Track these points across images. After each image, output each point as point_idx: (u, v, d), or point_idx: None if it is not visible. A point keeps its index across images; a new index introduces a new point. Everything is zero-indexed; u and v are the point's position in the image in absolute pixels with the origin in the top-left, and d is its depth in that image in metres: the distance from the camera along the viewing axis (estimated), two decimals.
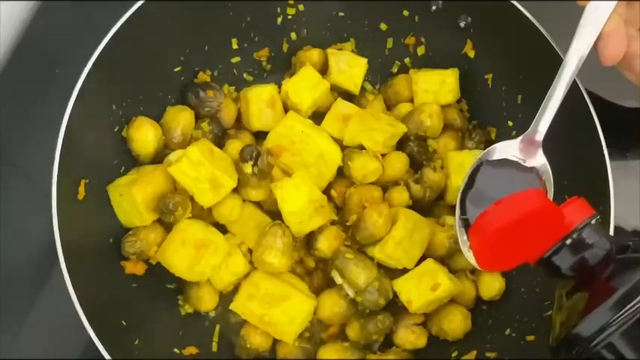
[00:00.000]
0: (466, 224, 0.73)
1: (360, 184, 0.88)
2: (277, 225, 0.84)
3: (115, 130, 0.86)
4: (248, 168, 0.84)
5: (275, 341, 0.87)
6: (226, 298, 0.88)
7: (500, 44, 0.90)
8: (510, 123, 0.93)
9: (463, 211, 0.73)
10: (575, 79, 0.81)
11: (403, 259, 0.85)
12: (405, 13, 0.94)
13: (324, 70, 0.95)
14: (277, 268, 0.83)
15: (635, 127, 0.97)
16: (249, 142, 0.91)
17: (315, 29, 0.97)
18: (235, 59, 0.97)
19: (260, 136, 0.92)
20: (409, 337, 0.86)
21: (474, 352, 0.85)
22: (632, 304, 0.55)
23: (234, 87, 0.97)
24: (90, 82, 0.79)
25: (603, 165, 0.80)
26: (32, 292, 0.91)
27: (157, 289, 0.87)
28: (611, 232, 0.79)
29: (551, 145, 0.88)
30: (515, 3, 0.85)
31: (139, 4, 0.82)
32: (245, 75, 0.98)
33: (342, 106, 0.92)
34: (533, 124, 0.74)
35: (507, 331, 0.85)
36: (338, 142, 0.90)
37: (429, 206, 0.90)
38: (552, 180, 0.74)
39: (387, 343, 0.88)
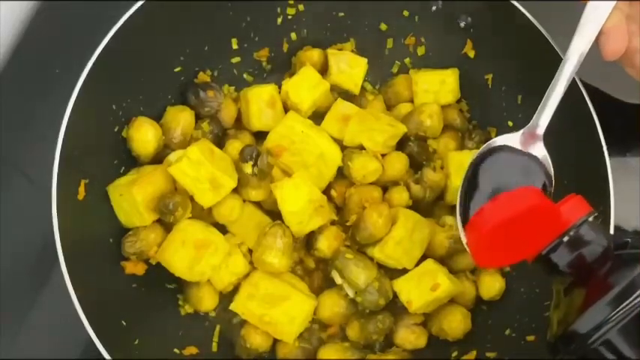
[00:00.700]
0: (466, 220, 0.73)
1: (360, 184, 0.88)
2: (277, 225, 0.84)
3: (115, 130, 0.86)
4: (248, 168, 0.84)
5: (275, 341, 0.87)
6: (226, 298, 0.88)
7: (500, 44, 0.90)
8: (510, 123, 0.93)
9: (464, 206, 0.73)
10: (575, 80, 0.82)
11: (403, 260, 0.85)
12: (405, 13, 0.94)
13: (324, 70, 0.95)
14: (277, 268, 0.83)
15: (636, 125, 0.97)
16: (249, 142, 0.91)
17: (315, 29, 0.97)
18: (235, 59, 0.97)
19: (260, 136, 0.92)
20: (409, 337, 0.86)
21: (474, 352, 0.85)
22: (629, 300, 0.55)
23: (234, 87, 0.97)
24: (90, 82, 0.79)
25: (603, 164, 0.80)
26: (32, 292, 0.91)
27: (157, 290, 0.87)
28: (612, 232, 0.79)
29: (552, 144, 0.88)
30: (515, 3, 0.85)
31: (139, 4, 0.82)
32: (245, 75, 0.98)
33: (342, 106, 0.92)
34: (534, 118, 0.75)
35: (507, 331, 0.85)
36: (338, 142, 0.90)
37: (429, 206, 0.90)
38: (553, 173, 0.74)
39: (387, 343, 0.88)
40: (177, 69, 0.92)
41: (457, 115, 0.95)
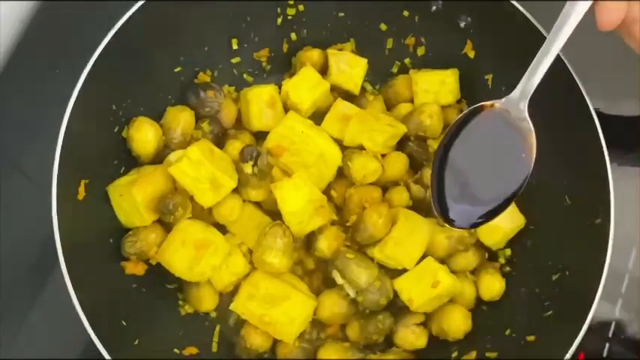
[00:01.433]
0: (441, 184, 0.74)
1: (360, 184, 0.88)
2: (277, 225, 0.84)
3: (115, 130, 0.86)
4: (248, 168, 0.84)
5: (275, 341, 0.87)
6: (226, 298, 0.88)
7: (501, 44, 0.90)
8: None
9: (438, 174, 0.75)
10: (575, 80, 0.82)
11: (403, 260, 0.85)
12: (405, 13, 0.94)
13: (324, 70, 0.95)
14: (277, 268, 0.83)
15: (636, 128, 0.97)
16: (249, 142, 0.91)
17: (315, 29, 0.97)
18: (235, 59, 0.97)
19: (260, 136, 0.92)
20: (409, 337, 0.86)
21: (474, 352, 0.85)
22: None
23: (234, 87, 0.97)
24: (90, 82, 0.79)
25: (603, 166, 0.80)
26: (32, 292, 0.91)
27: (157, 289, 0.87)
28: (611, 233, 0.79)
29: (552, 145, 0.88)
30: (515, 3, 0.85)
31: (139, 4, 0.82)
32: (245, 75, 0.98)
33: (342, 106, 0.92)
34: (519, 84, 0.74)
35: (507, 331, 0.85)
36: (338, 142, 0.90)
37: (429, 206, 0.90)
38: (535, 142, 0.74)
39: (387, 343, 0.88)
40: (177, 69, 0.92)
41: (457, 115, 0.95)
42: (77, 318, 0.74)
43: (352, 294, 0.85)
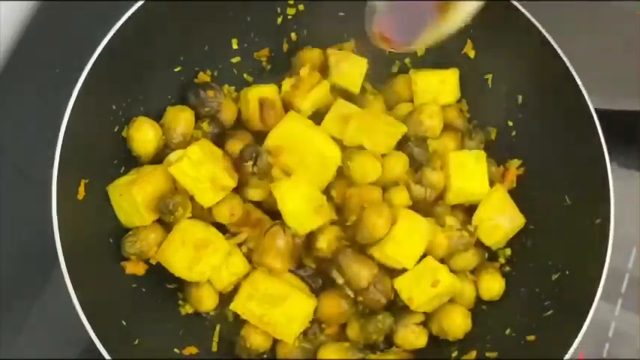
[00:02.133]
0: None
1: (360, 184, 0.88)
2: (277, 225, 0.84)
3: (115, 130, 0.86)
4: (248, 168, 0.84)
5: (275, 341, 0.87)
6: (226, 298, 0.88)
7: (501, 44, 0.90)
8: (510, 123, 0.93)
9: None
10: (576, 82, 0.82)
11: (403, 260, 0.85)
12: None
13: (324, 70, 0.95)
14: (277, 268, 0.83)
15: (636, 128, 0.97)
16: (249, 142, 0.91)
17: (315, 29, 0.97)
18: (235, 59, 0.97)
19: (260, 136, 0.92)
20: (409, 337, 0.86)
21: (474, 352, 0.85)
22: None
23: (234, 87, 0.97)
24: (90, 82, 0.79)
25: (603, 166, 0.80)
26: (32, 292, 0.91)
27: (157, 289, 0.87)
28: (611, 233, 0.79)
29: (552, 145, 0.88)
30: (515, 3, 0.85)
31: (139, 4, 0.82)
32: (245, 75, 0.98)
33: (342, 106, 0.92)
34: None
35: (507, 331, 0.85)
36: (338, 142, 0.90)
37: (429, 206, 0.90)
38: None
39: (388, 343, 0.88)
40: (177, 69, 0.92)
41: (457, 115, 0.95)
42: (77, 318, 0.74)
43: (352, 294, 0.85)
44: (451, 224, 0.88)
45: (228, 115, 0.93)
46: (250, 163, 0.84)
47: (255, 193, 0.87)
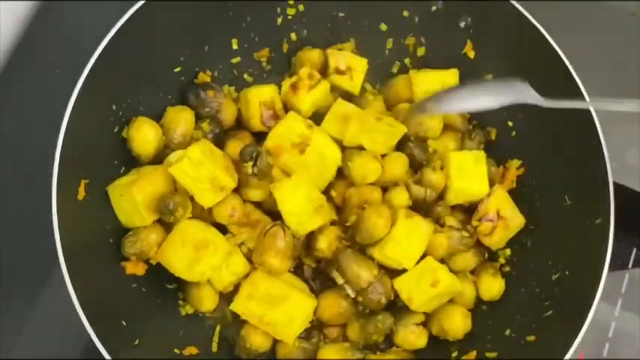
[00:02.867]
0: None
1: (360, 184, 0.88)
2: (277, 225, 0.84)
3: (115, 130, 0.86)
4: (248, 168, 0.84)
5: (275, 341, 0.87)
6: (226, 298, 0.88)
7: (501, 44, 0.90)
8: (510, 123, 0.93)
9: None
10: (575, 79, 0.82)
11: (403, 260, 0.85)
12: (405, 13, 0.94)
13: (324, 70, 0.95)
14: (277, 268, 0.83)
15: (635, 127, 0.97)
16: (249, 142, 0.91)
17: (315, 29, 0.97)
18: (235, 59, 0.97)
19: (260, 136, 0.92)
20: (409, 337, 0.86)
21: (474, 352, 0.85)
22: None
23: (234, 87, 0.97)
24: (90, 82, 0.79)
25: (603, 166, 0.80)
26: (32, 292, 0.91)
27: (157, 289, 0.87)
28: (611, 235, 0.79)
29: (552, 145, 0.88)
30: (515, 3, 0.85)
31: (139, 4, 0.83)
32: (245, 75, 0.98)
33: (342, 106, 0.92)
34: None
35: (507, 331, 0.85)
36: (338, 142, 0.90)
37: (429, 206, 0.90)
38: None
39: (388, 343, 0.88)
40: (177, 69, 0.92)
41: (457, 115, 0.95)
42: (77, 318, 0.74)
43: (352, 294, 0.85)
44: (451, 224, 0.88)
45: (228, 115, 0.93)
46: (250, 163, 0.84)
47: (255, 194, 0.87)
